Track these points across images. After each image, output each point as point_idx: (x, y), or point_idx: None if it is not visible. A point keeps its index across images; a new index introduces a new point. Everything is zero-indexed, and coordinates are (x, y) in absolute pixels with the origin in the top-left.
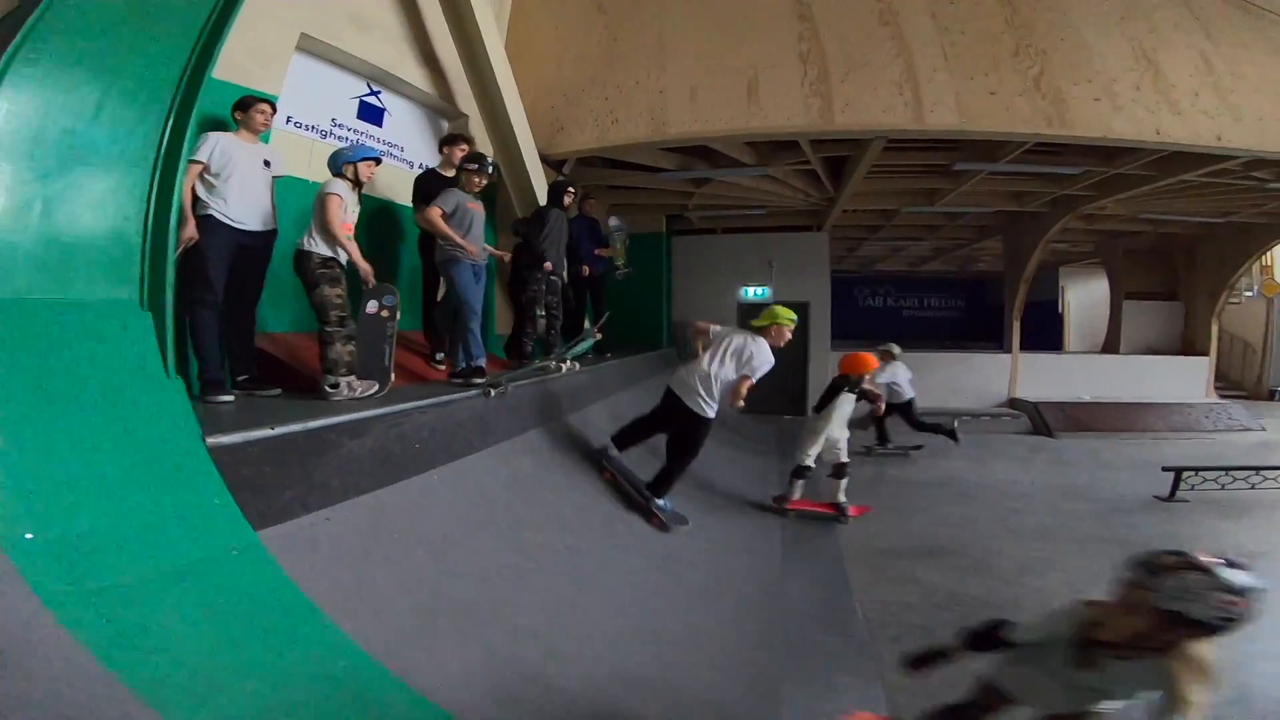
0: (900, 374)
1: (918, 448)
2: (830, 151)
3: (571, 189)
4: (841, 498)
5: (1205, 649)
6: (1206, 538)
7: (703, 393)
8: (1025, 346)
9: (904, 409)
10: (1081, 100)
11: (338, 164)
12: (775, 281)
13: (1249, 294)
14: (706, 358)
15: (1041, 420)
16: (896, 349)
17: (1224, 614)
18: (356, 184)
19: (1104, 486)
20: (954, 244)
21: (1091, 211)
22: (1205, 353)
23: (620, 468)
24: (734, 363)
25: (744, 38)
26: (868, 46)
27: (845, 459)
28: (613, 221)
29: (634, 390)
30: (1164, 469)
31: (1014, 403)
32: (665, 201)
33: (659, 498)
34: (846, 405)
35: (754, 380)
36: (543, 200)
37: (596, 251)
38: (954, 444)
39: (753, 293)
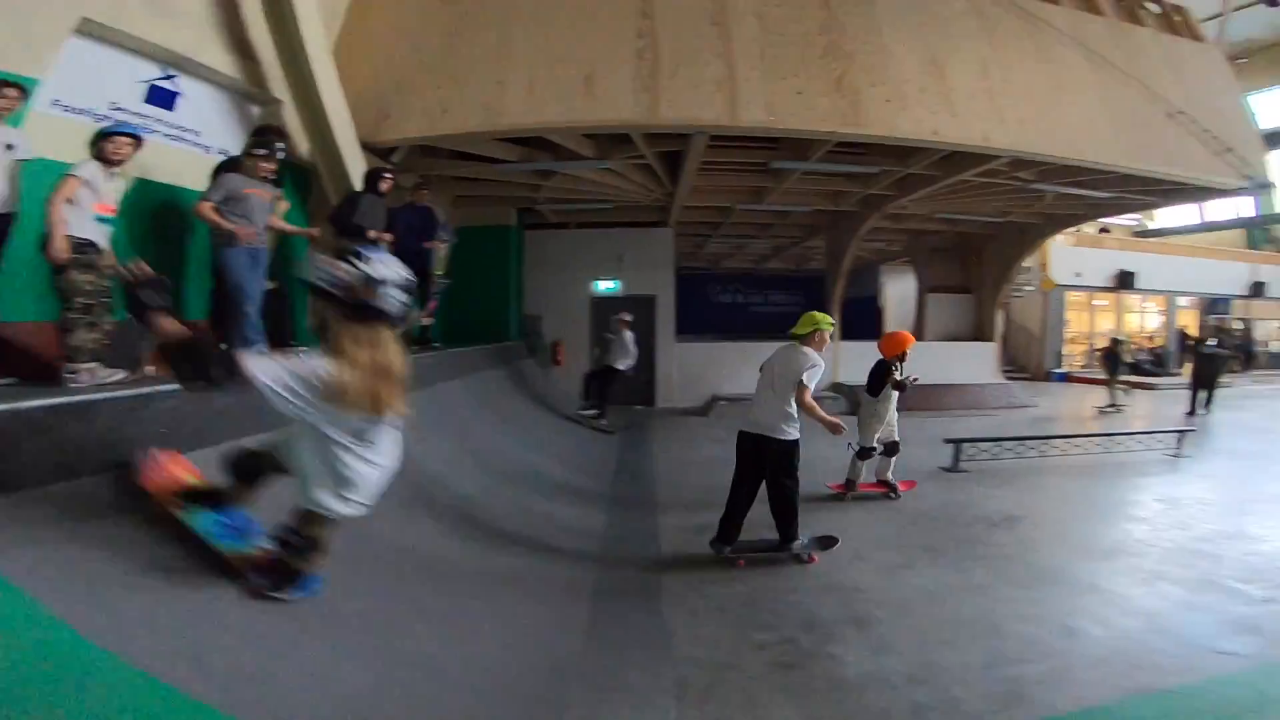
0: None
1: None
2: (662, 146)
3: (388, 175)
4: (890, 475)
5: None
6: (979, 501)
7: (779, 419)
8: (852, 336)
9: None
10: (875, 100)
11: (94, 143)
12: (625, 275)
13: (1029, 288)
14: (763, 390)
15: (858, 401)
16: (628, 316)
17: (325, 276)
18: (112, 164)
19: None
20: (788, 242)
21: (896, 211)
22: (992, 339)
23: (748, 547)
24: (779, 377)
25: (587, 35)
26: (696, 45)
27: (897, 437)
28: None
29: (461, 381)
30: (945, 441)
31: (836, 387)
32: (514, 194)
33: (796, 540)
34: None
35: (810, 388)
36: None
37: (425, 244)
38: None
39: (604, 286)
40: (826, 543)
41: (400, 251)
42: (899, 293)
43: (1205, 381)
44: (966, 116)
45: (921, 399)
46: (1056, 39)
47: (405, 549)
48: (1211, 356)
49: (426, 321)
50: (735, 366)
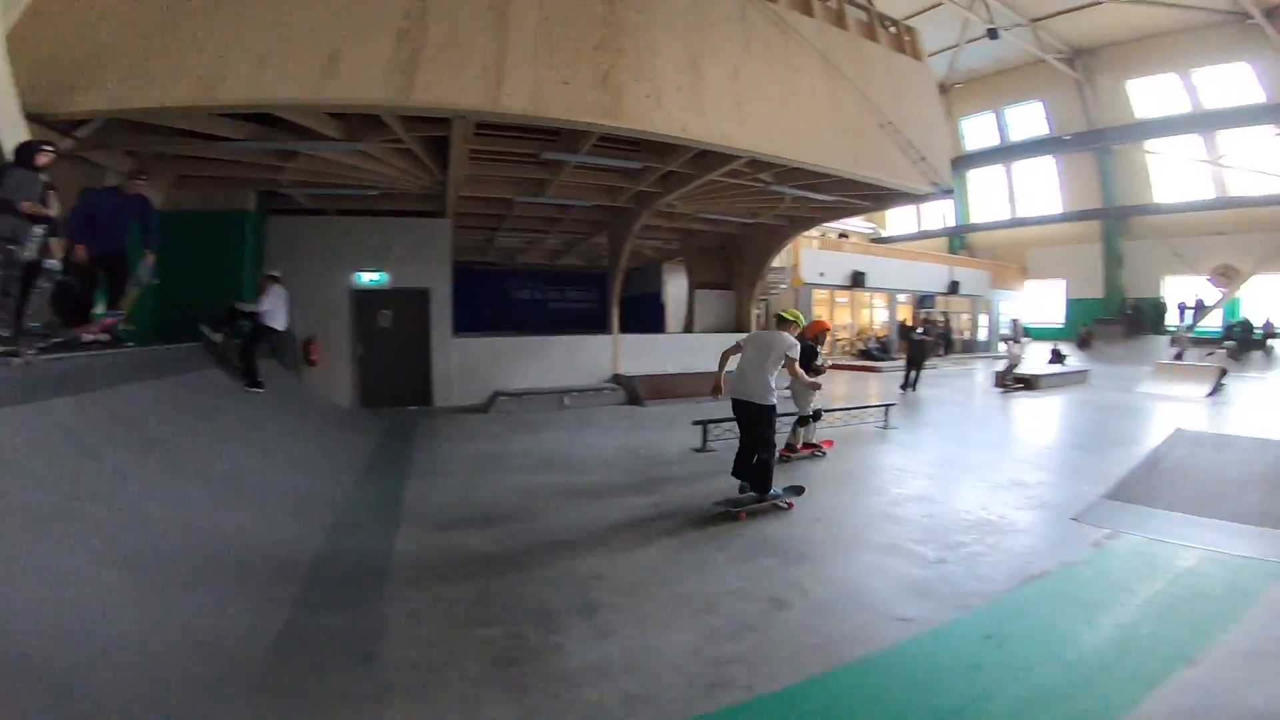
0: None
1: None
2: (424, 131)
3: (48, 148)
4: (815, 439)
5: None
6: (717, 478)
7: (760, 387)
8: (636, 330)
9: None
10: (636, 96)
11: None
12: (394, 267)
13: (782, 286)
14: (742, 362)
15: (634, 391)
16: (276, 273)
17: None
18: None
19: (663, 443)
20: (577, 238)
21: (665, 210)
22: (748, 330)
23: (740, 503)
24: (761, 354)
25: (341, 13)
26: (471, 30)
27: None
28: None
29: (153, 384)
30: (694, 423)
31: (616, 378)
32: (250, 175)
33: (771, 491)
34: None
35: (796, 358)
36: None
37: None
38: None
39: (367, 279)
40: (797, 491)
41: (96, 240)
42: (678, 290)
43: (915, 363)
44: (714, 116)
45: (689, 386)
46: (802, 48)
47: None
48: (920, 342)
49: (111, 320)
50: (521, 362)
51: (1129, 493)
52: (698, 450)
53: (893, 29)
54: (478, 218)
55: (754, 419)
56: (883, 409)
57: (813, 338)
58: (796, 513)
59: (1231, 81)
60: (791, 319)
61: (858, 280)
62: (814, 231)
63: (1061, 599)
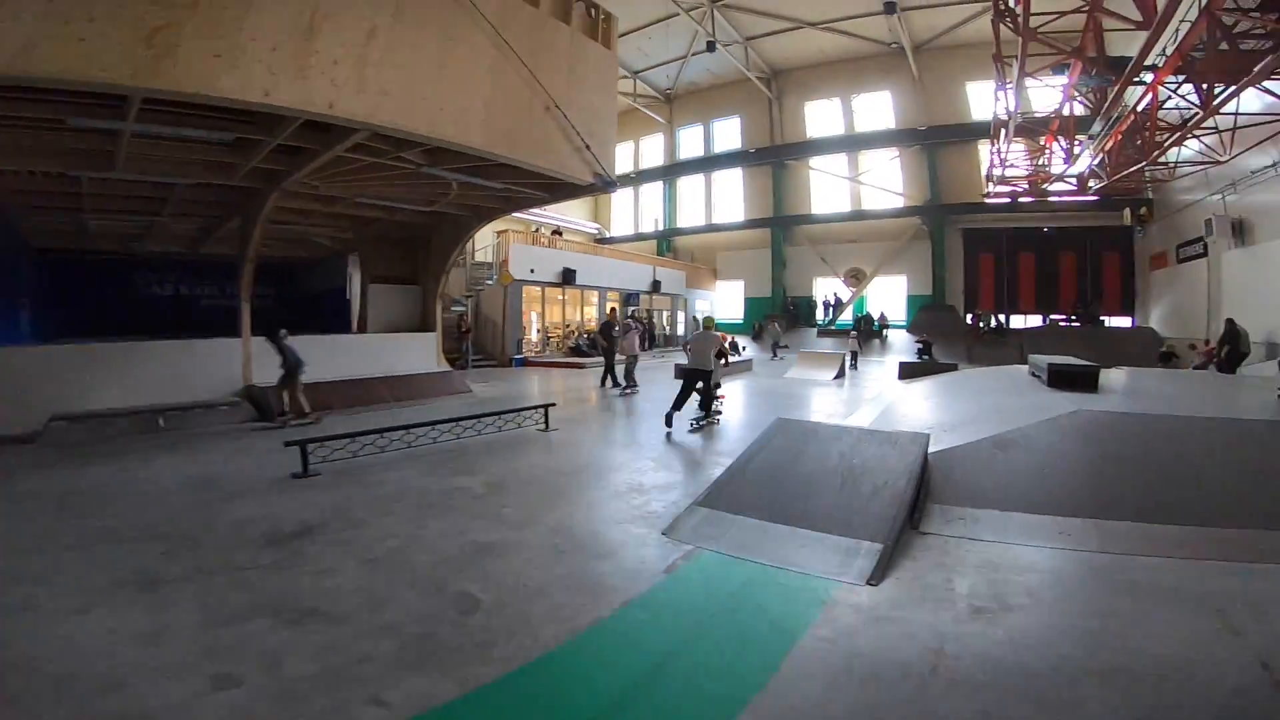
0: None
1: None
2: None
3: None
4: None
5: None
6: (319, 506)
7: (706, 360)
8: (321, 330)
9: None
10: (196, 54)
11: None
12: None
13: (489, 283)
14: (693, 349)
15: (266, 405)
16: None
17: None
18: None
19: (249, 471)
20: (209, 220)
21: (306, 191)
22: (434, 329)
23: (701, 419)
24: (705, 345)
25: None
26: None
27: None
28: None
29: None
30: (286, 444)
31: (249, 390)
32: None
33: (709, 412)
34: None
35: (723, 348)
36: None
37: None
38: None
39: None
40: (716, 413)
41: None
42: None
43: (611, 358)
44: (318, 82)
45: (354, 394)
46: (471, 19)
47: None
48: (614, 339)
49: None
50: (100, 375)
51: (720, 498)
52: (297, 476)
53: (592, 12)
54: (45, 196)
55: (701, 377)
56: (543, 410)
57: (728, 343)
58: (353, 549)
59: (875, 108)
60: (713, 325)
61: (568, 278)
62: (525, 228)
63: (598, 663)
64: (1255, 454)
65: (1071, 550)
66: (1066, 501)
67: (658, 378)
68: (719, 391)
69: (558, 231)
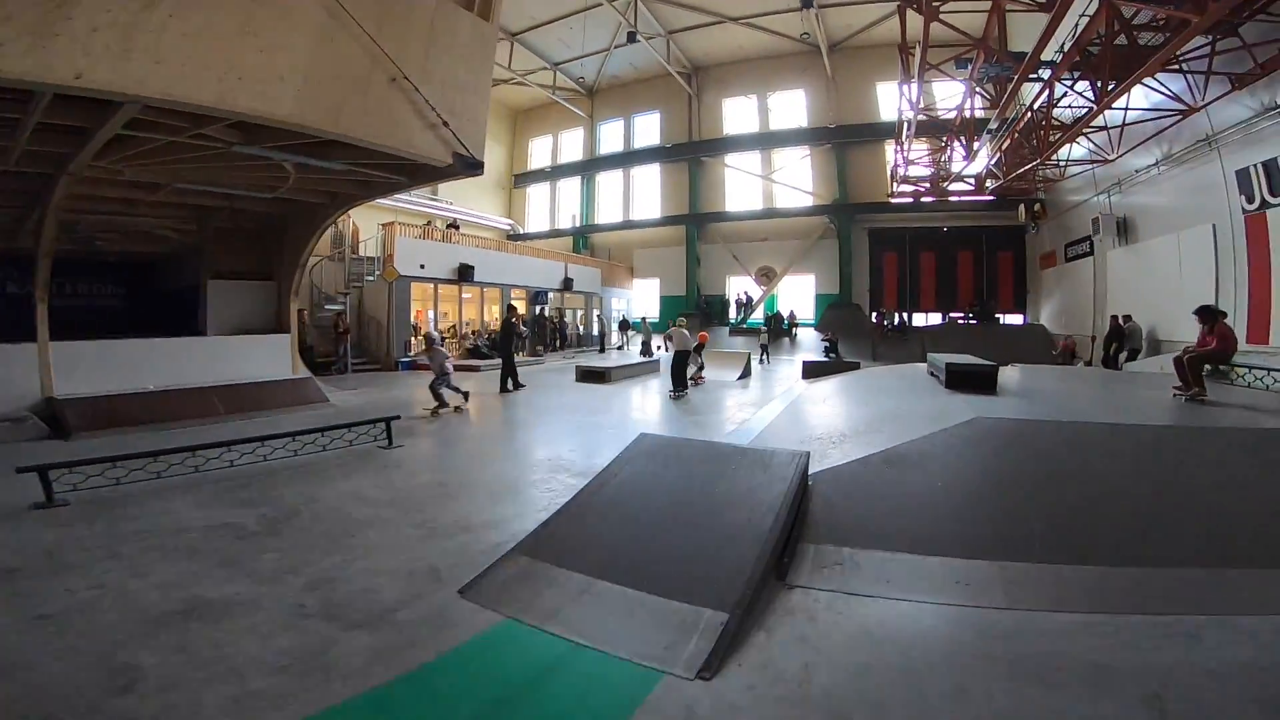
0: None
1: None
2: None
3: None
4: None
5: None
6: (33, 543)
7: (684, 344)
8: (178, 332)
9: None
10: None
11: None
12: None
13: (370, 279)
14: (678, 339)
15: (64, 421)
16: None
17: None
18: None
19: None
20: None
21: (109, 177)
22: (289, 330)
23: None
24: (681, 336)
25: None
26: None
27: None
28: None
29: None
30: (19, 469)
31: (49, 402)
32: None
33: (683, 386)
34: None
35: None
36: None
37: None
38: None
39: None
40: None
41: None
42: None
43: (512, 360)
44: (63, 50)
45: (169, 407)
46: None
47: None
48: (508, 339)
49: None
50: None
51: (548, 542)
52: (39, 506)
53: None
54: None
55: (681, 357)
56: (383, 423)
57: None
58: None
59: (790, 106)
60: (681, 324)
61: (465, 274)
62: (417, 220)
63: None
64: (1171, 468)
65: (971, 608)
66: (965, 536)
67: (560, 381)
68: (702, 374)
69: (454, 225)
